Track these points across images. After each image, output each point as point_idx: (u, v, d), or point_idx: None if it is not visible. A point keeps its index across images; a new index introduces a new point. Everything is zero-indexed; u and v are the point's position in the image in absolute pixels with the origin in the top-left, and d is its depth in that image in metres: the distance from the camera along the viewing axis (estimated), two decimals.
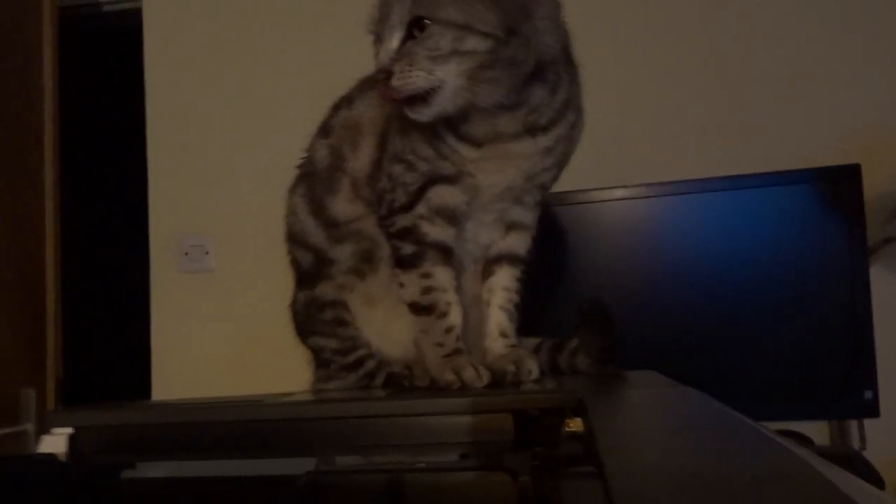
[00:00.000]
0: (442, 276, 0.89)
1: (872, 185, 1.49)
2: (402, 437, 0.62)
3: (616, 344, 0.91)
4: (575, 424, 0.58)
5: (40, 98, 1.90)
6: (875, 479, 1.33)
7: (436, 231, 0.89)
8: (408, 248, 0.89)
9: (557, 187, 1.32)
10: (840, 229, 1.44)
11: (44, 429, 1.66)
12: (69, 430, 0.67)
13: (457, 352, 0.88)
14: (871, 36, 1.69)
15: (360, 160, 0.95)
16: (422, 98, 0.79)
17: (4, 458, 0.85)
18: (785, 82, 1.72)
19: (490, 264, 0.97)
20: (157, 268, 2.01)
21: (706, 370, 1.47)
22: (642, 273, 1.51)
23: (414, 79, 0.77)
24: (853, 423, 1.56)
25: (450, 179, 0.88)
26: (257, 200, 1.90)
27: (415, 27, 0.78)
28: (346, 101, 1.02)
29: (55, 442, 0.66)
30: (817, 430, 1.59)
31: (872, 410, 1.41)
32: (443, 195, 0.89)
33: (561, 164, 0.94)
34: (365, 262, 0.95)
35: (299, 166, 1.05)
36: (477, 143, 0.86)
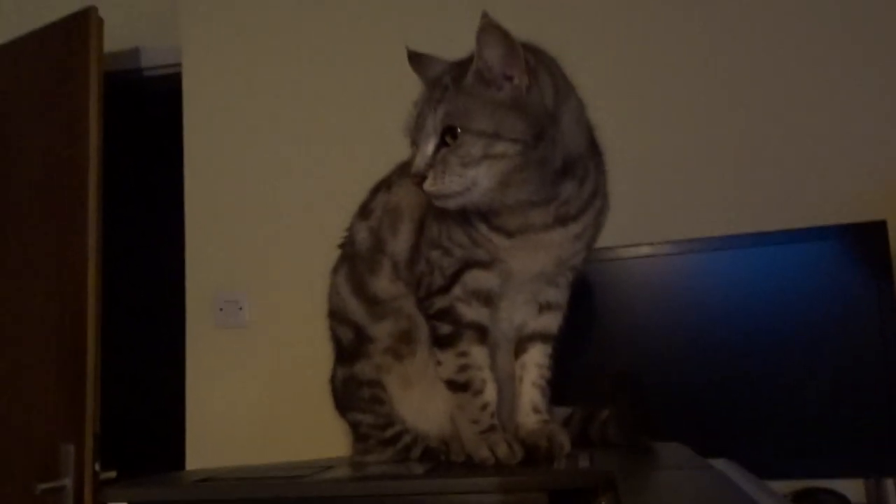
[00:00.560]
0: (478, 354, 0.92)
1: None
2: None
3: (647, 417, 0.92)
4: (607, 501, 0.60)
5: (85, 159, 1.98)
6: None
7: (471, 312, 0.93)
8: (445, 329, 0.93)
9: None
10: (868, 285, 1.45)
11: (82, 483, 1.70)
12: None
13: (492, 428, 0.90)
14: (893, 90, 1.71)
15: (400, 244, 1.00)
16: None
17: None
18: (811, 139, 1.74)
19: (523, 342, 1.00)
20: (193, 323, 2.06)
21: (738, 429, 1.47)
22: (669, 331, 1.52)
23: (448, 184, 0.83)
24: (890, 482, 1.53)
25: (484, 265, 0.92)
26: (290, 258, 1.95)
27: (448, 135, 0.83)
28: (385, 185, 1.07)
29: None
30: (854, 488, 1.57)
31: None
32: (478, 278, 0.93)
33: (590, 247, 0.98)
34: (403, 344, 0.99)
35: (341, 246, 1.10)
36: (508, 234, 0.91)
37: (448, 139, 0.83)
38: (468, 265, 0.92)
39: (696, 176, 1.76)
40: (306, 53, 2.08)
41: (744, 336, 1.49)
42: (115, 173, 2.10)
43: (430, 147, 0.84)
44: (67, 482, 1.82)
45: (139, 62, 2.32)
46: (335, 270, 1.08)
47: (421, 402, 0.99)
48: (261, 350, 2.00)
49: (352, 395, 1.02)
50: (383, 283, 1.00)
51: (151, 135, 2.62)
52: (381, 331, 1.00)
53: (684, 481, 0.59)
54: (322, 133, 2.03)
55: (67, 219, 1.99)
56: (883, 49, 1.74)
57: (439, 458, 0.95)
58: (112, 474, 1.84)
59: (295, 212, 2.00)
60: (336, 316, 1.06)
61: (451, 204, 0.85)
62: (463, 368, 0.92)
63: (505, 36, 0.84)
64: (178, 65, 2.18)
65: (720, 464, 0.69)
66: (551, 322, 1.01)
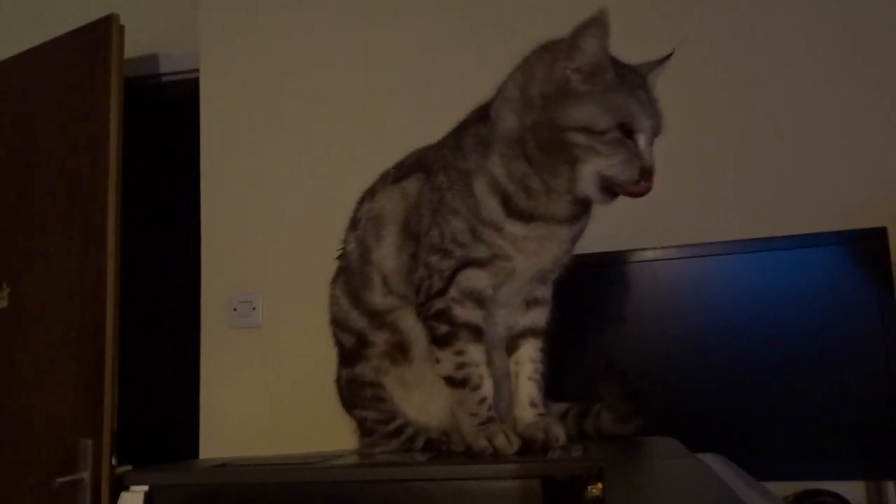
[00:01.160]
0: (474, 352, 0.96)
1: None
2: (443, 499, 0.68)
3: (637, 396, 0.96)
4: (597, 489, 0.63)
5: (105, 163, 2.04)
6: None
7: (465, 313, 0.97)
8: (442, 329, 0.97)
9: (590, 249, 1.39)
10: (869, 290, 1.47)
11: (99, 477, 1.74)
12: (145, 488, 0.75)
13: (489, 420, 0.94)
14: None
15: (384, 250, 1.04)
16: None
17: None
18: (814, 147, 1.77)
19: (515, 339, 1.05)
20: (208, 323, 2.11)
21: (741, 430, 1.50)
22: (673, 334, 1.55)
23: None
24: (891, 484, 1.55)
25: (480, 263, 0.96)
26: (303, 260, 2.00)
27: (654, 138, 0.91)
28: (369, 194, 1.11)
29: (133, 499, 0.74)
30: (855, 491, 1.59)
31: None
32: (470, 278, 0.97)
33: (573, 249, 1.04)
34: (398, 352, 1.04)
35: (338, 258, 1.14)
36: (527, 219, 0.94)
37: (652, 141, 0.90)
38: (463, 265, 0.96)
39: (700, 181, 1.79)
40: (323, 59, 2.13)
41: (746, 339, 1.52)
42: (134, 177, 2.15)
43: (650, 146, 0.90)
44: (85, 476, 1.88)
45: (158, 68, 2.38)
46: (333, 281, 1.13)
47: (420, 402, 1.03)
48: (273, 350, 2.05)
49: (355, 394, 1.07)
50: (377, 299, 1.05)
51: (169, 139, 2.68)
52: (380, 338, 1.05)
53: (668, 471, 0.63)
54: (338, 138, 2.08)
55: (88, 221, 2.04)
56: (886, 57, 1.76)
57: (440, 448, 1.00)
58: (128, 468, 1.89)
59: (309, 215, 2.04)
60: (339, 324, 1.11)
61: None
62: (461, 366, 0.96)
63: None
64: (196, 70, 2.24)
65: (708, 458, 0.73)
66: (540, 317, 1.05)
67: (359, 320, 1.07)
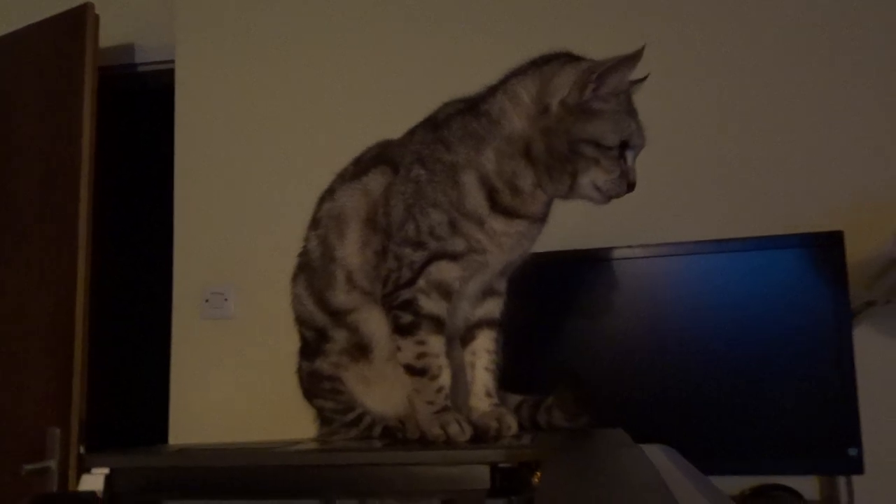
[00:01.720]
0: (435, 343, 0.99)
1: (855, 251, 1.57)
2: (394, 484, 0.71)
3: (587, 399, 1.00)
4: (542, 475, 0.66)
5: (79, 152, 2.03)
6: None
7: (430, 304, 0.99)
8: (406, 318, 0.99)
9: (555, 246, 1.42)
10: (825, 292, 1.52)
11: (67, 466, 1.74)
12: (106, 471, 0.77)
13: (445, 409, 0.97)
14: (858, 110, 1.79)
15: (348, 247, 1.06)
16: None
17: (52, 496, 0.95)
18: (775, 153, 1.82)
19: (471, 329, 1.08)
20: (179, 314, 2.12)
21: (699, 426, 1.54)
22: (633, 331, 1.59)
23: None
24: (842, 480, 1.61)
25: (453, 256, 0.99)
26: (275, 252, 1.98)
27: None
28: (328, 193, 1.13)
29: (94, 480, 0.76)
30: (809, 486, 1.64)
31: (857, 467, 1.47)
32: (442, 270, 0.99)
33: None
34: (358, 351, 1.06)
35: (299, 255, 1.16)
36: (511, 216, 1.00)
37: None
38: (436, 257, 0.99)
39: (661, 183, 1.79)
40: (298, 52, 2.14)
41: (705, 338, 1.56)
42: (108, 167, 2.15)
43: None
44: (52, 464, 1.88)
45: (133, 58, 2.37)
46: (294, 279, 1.14)
47: (380, 395, 1.06)
48: (244, 341, 2.06)
49: (315, 385, 1.10)
50: (340, 297, 1.06)
51: (144, 130, 2.67)
52: (340, 335, 1.07)
53: (606, 460, 0.66)
54: (312, 131, 2.09)
55: (61, 210, 2.04)
56: (847, 64, 1.81)
57: (397, 436, 1.02)
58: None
59: (281, 207, 2.05)
60: (301, 321, 1.13)
61: None
62: (421, 356, 0.98)
63: None
64: (172, 62, 2.23)
65: (654, 449, 0.76)
66: (495, 308, 1.09)
67: (321, 318, 1.09)
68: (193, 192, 2.15)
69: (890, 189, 1.71)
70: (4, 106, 2.23)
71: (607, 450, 0.74)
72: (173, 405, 2.08)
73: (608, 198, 0.98)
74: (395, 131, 1.13)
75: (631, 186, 0.98)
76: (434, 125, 1.04)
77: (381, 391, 1.05)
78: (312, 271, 1.10)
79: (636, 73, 0.99)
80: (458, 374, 1.05)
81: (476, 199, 0.98)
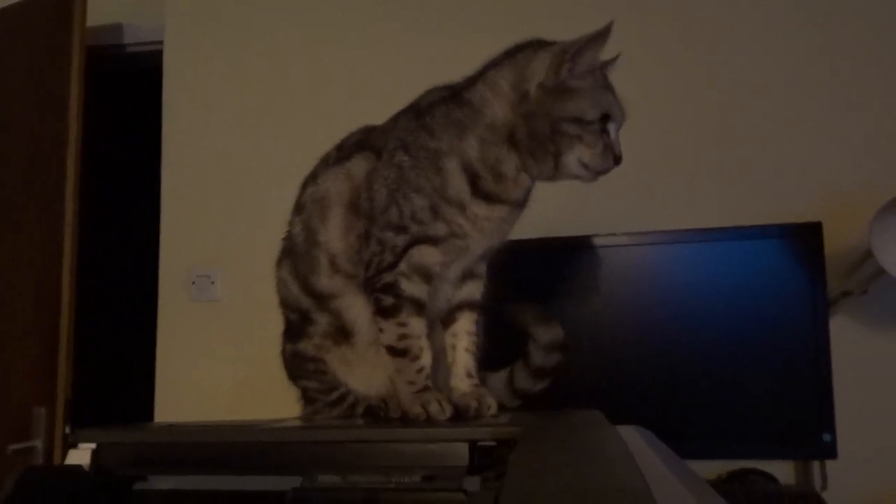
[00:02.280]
0: (416, 325, 1.01)
1: (833, 242, 1.61)
2: (375, 460, 0.73)
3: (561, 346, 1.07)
4: None
5: (66, 131, 2.03)
6: None
7: (412, 287, 1.01)
8: (388, 301, 1.01)
9: (540, 234, 1.44)
10: (803, 282, 1.55)
11: (52, 445, 1.75)
12: (93, 446, 0.79)
13: (425, 388, 1.00)
14: (838, 102, 1.82)
15: (331, 231, 1.07)
16: None
17: (40, 468, 0.96)
18: (756, 145, 1.84)
19: (452, 311, 1.10)
20: (166, 297, 2.12)
21: (677, 411, 1.57)
22: (613, 317, 1.61)
23: None
24: (816, 464, 1.65)
25: (434, 241, 1.01)
26: (262, 235, 1.99)
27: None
28: (311, 178, 1.14)
29: (81, 455, 0.78)
30: (784, 470, 1.67)
31: (831, 452, 1.51)
32: (423, 253, 1.01)
33: None
34: (340, 335, 1.08)
35: (284, 239, 1.17)
36: (492, 201, 1.01)
37: None
38: (418, 241, 1.00)
39: (643, 171, 1.80)
40: (288, 36, 2.14)
41: (684, 324, 1.59)
42: (95, 147, 2.14)
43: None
44: (38, 443, 1.89)
45: (122, 38, 2.36)
46: (278, 264, 1.16)
47: (362, 380, 1.08)
48: (231, 324, 2.07)
49: (299, 366, 1.12)
50: (324, 281, 1.08)
51: (132, 110, 2.66)
52: (323, 319, 1.09)
53: (580, 439, 0.69)
54: (300, 115, 2.09)
55: (48, 189, 2.03)
56: (827, 57, 1.84)
57: (379, 414, 1.05)
58: None
59: (269, 190, 2.05)
60: (286, 304, 1.15)
61: None
62: (402, 337, 1.00)
63: None
64: (161, 43, 2.23)
65: (629, 430, 0.78)
66: (475, 290, 1.11)
67: (305, 301, 1.10)
68: (181, 174, 2.15)
69: (867, 182, 1.74)
70: None
71: (582, 428, 0.76)
72: (159, 387, 2.09)
73: (596, 174, 0.99)
74: (385, 116, 1.14)
75: (617, 160, 0.98)
76: (417, 112, 1.05)
77: (363, 373, 1.07)
78: (296, 255, 1.12)
79: (606, 54, 1.01)
80: (440, 355, 1.07)
81: (458, 185, 0.99)
